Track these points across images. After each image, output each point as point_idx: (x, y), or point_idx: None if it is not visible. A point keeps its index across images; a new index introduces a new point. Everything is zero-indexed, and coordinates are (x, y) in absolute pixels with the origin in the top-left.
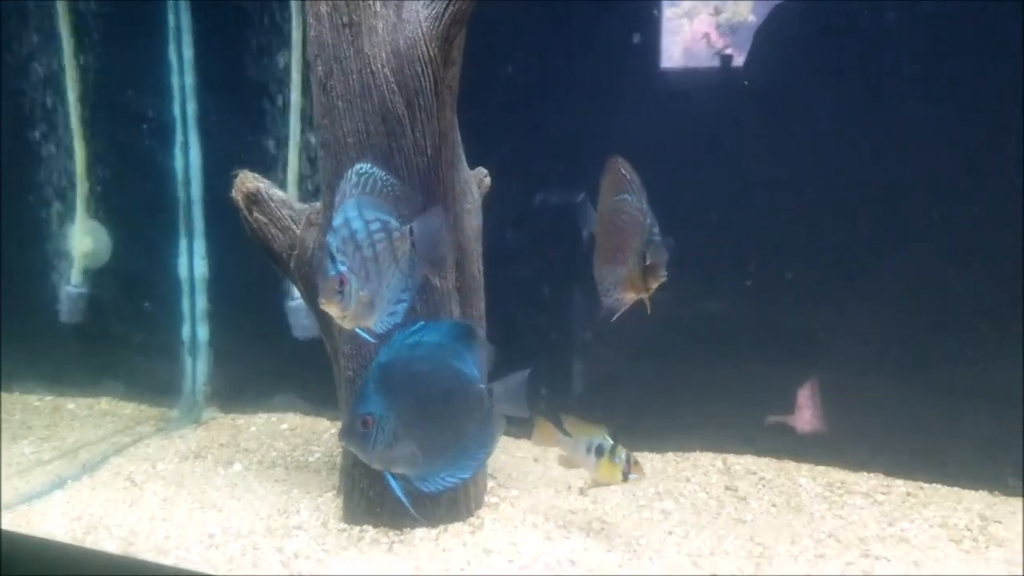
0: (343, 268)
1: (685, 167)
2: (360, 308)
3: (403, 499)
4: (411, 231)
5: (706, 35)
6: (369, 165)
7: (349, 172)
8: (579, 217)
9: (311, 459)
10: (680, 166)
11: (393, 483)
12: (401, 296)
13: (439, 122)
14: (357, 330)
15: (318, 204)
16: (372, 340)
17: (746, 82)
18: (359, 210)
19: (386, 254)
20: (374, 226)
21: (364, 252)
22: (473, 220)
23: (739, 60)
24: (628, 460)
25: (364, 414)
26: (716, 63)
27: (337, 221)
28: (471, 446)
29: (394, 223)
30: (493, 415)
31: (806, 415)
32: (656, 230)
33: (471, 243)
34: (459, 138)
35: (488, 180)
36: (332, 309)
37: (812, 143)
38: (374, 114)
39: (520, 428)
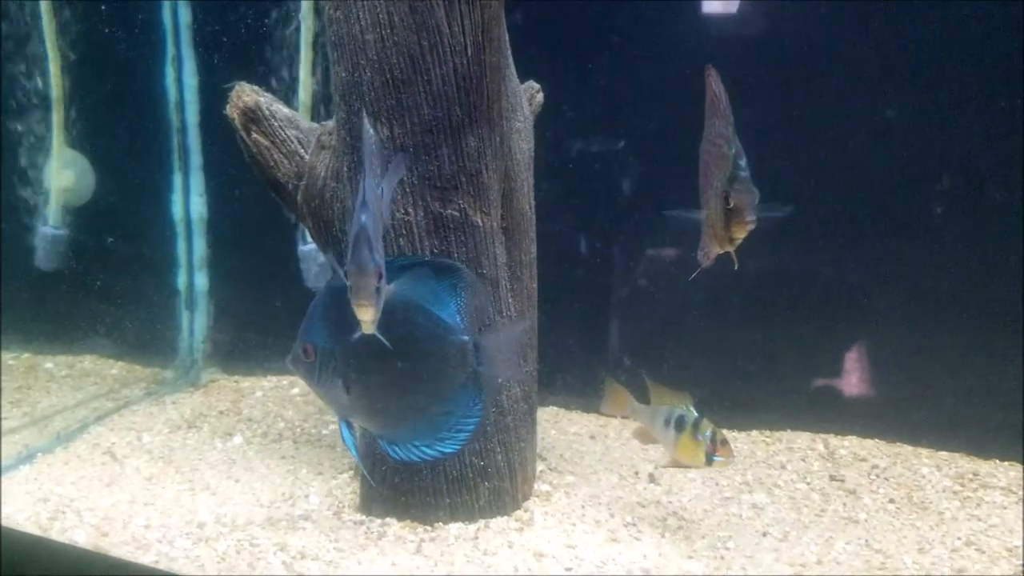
0: (380, 260)
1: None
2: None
3: (352, 448)
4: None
5: None
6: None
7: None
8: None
9: (324, 431)
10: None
11: (345, 430)
12: None
13: (482, 13)
14: (378, 335)
15: (330, 123)
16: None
17: None
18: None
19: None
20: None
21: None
22: (523, 143)
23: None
24: (714, 439)
25: (305, 342)
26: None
27: (370, 193)
28: (454, 412)
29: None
30: (484, 377)
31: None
32: (743, 163)
33: (521, 171)
34: (507, 39)
35: (540, 96)
36: (367, 313)
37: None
38: (399, 2)
39: (575, 398)
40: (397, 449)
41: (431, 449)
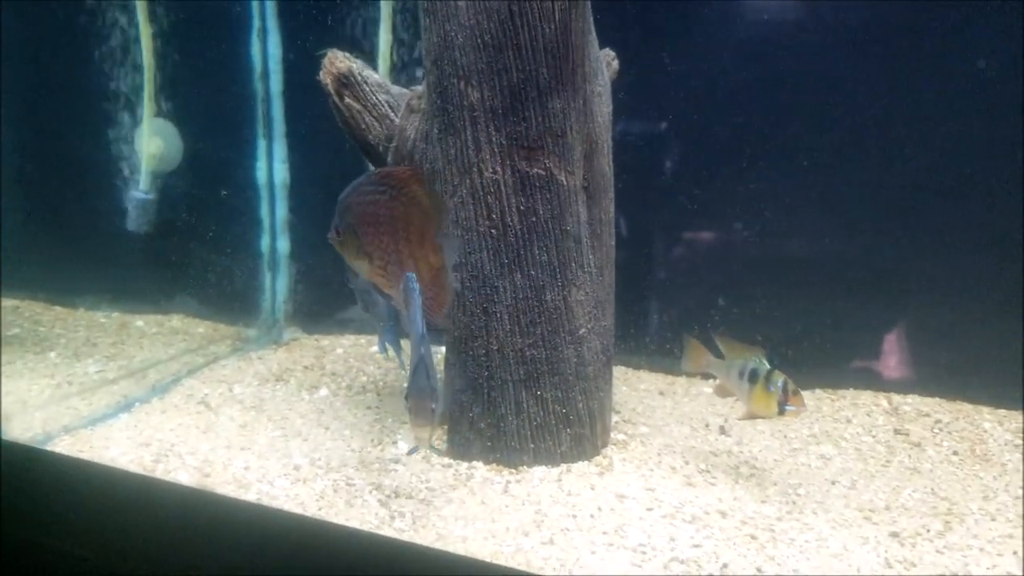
0: (435, 384)
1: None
2: None
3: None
4: None
5: None
6: None
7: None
8: None
9: (406, 384)
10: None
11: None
12: None
13: None
14: None
15: (420, 87)
16: None
17: None
18: None
19: None
20: None
21: None
22: (604, 106)
23: None
24: (785, 389)
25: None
26: None
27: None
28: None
29: None
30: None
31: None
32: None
33: (601, 132)
34: (590, 5)
35: (616, 64)
36: (425, 433)
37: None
38: None
39: (643, 358)
40: None
41: None
